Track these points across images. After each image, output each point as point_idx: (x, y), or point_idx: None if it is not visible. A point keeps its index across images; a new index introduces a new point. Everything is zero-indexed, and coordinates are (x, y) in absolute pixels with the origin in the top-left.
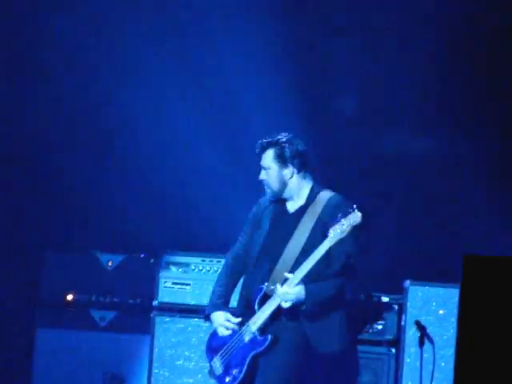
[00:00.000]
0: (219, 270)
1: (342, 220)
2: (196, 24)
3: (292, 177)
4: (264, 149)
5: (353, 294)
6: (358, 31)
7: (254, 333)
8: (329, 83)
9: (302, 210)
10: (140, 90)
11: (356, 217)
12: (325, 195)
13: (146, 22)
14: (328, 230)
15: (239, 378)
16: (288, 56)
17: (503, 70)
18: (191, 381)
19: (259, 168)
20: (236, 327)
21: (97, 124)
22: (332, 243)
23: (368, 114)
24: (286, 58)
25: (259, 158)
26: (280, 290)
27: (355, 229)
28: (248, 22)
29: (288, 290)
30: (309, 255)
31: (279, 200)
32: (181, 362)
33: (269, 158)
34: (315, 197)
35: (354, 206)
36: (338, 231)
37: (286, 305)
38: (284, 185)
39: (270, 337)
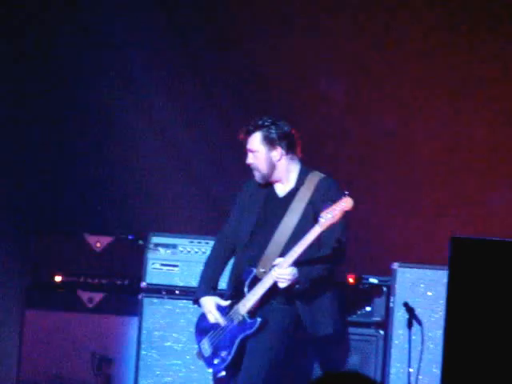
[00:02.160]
0: (208, 253)
1: (334, 205)
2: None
3: (280, 159)
4: (251, 132)
5: (342, 276)
6: None
7: (243, 315)
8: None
9: (292, 194)
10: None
11: (347, 202)
12: (315, 177)
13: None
14: (319, 215)
15: (228, 360)
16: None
17: None
18: (179, 362)
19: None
20: (224, 321)
21: (80, 106)
22: (323, 228)
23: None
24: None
25: (245, 142)
26: (275, 271)
27: (346, 214)
28: None
29: (284, 271)
30: (299, 239)
31: (267, 183)
32: (169, 343)
33: (256, 140)
34: (304, 179)
35: (345, 191)
36: (329, 216)
37: (283, 285)
38: (273, 167)
39: (259, 319)
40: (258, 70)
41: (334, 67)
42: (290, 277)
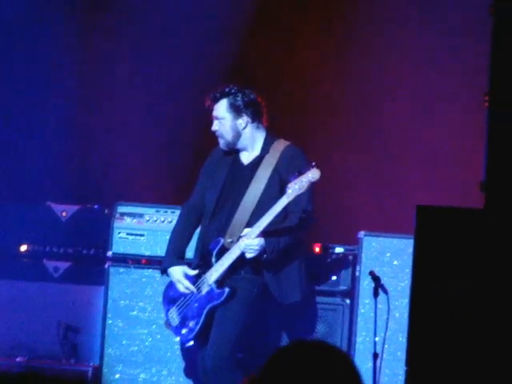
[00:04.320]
0: (174, 222)
1: (301, 176)
2: None
3: (246, 127)
4: (217, 99)
5: (308, 245)
6: None
7: (210, 285)
8: None
9: (257, 161)
10: None
11: (314, 173)
12: (280, 145)
13: None
14: (286, 186)
15: (195, 330)
16: None
17: None
18: (145, 331)
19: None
20: (193, 289)
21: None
22: (290, 199)
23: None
24: None
25: (211, 109)
26: (243, 242)
27: (312, 185)
28: None
29: (251, 242)
30: (265, 207)
31: (233, 151)
32: (135, 312)
33: (222, 107)
34: (269, 147)
35: (313, 163)
36: (296, 187)
37: (250, 255)
38: (238, 135)
39: (227, 289)
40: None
41: None
42: (257, 247)
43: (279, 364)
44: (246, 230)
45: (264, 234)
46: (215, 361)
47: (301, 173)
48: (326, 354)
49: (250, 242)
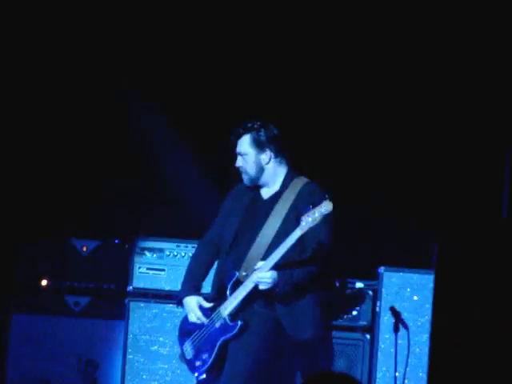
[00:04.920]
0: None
1: (314, 209)
2: None
3: (269, 162)
4: (240, 135)
5: (327, 280)
6: None
7: (224, 318)
8: None
9: (276, 197)
10: None
11: (327, 205)
12: (299, 182)
13: None
14: (300, 219)
15: (209, 363)
16: None
17: None
18: (166, 366)
19: (235, 155)
20: (205, 320)
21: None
22: (303, 231)
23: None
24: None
25: (234, 145)
26: (255, 275)
27: (327, 217)
28: None
29: (264, 274)
30: (282, 241)
31: (254, 187)
32: (155, 347)
33: (246, 143)
34: (289, 183)
35: (326, 195)
36: (309, 220)
37: (262, 287)
38: (261, 170)
39: (240, 322)
40: None
41: None
42: (269, 280)
43: None
44: (260, 263)
45: (277, 267)
46: None
47: (314, 205)
48: None
49: (262, 275)
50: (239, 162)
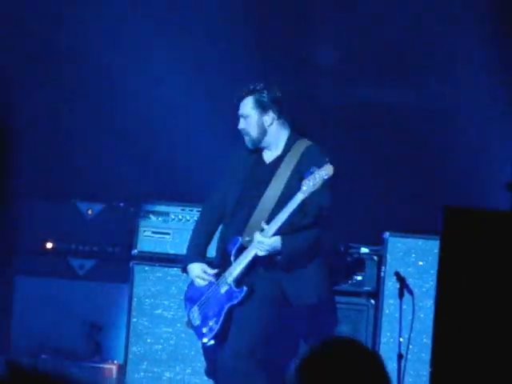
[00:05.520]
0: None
1: (315, 173)
2: None
3: (272, 123)
4: (242, 97)
5: (331, 245)
6: None
7: (229, 284)
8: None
9: (279, 160)
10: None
11: (328, 169)
12: (301, 145)
13: None
14: (301, 183)
15: (215, 329)
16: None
17: None
18: (170, 330)
19: (237, 117)
20: (212, 279)
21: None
22: (305, 195)
23: (344, 63)
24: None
25: (237, 107)
26: (256, 239)
27: (328, 181)
28: None
29: (263, 240)
30: (284, 207)
31: (256, 150)
32: (160, 311)
33: (248, 105)
34: (291, 146)
35: (327, 158)
36: (310, 184)
37: (261, 253)
38: (264, 132)
39: (245, 288)
40: None
41: None
42: (268, 247)
43: (314, 359)
44: (264, 226)
45: (280, 232)
46: (234, 361)
47: (315, 169)
48: (356, 352)
49: (261, 240)
50: (241, 125)
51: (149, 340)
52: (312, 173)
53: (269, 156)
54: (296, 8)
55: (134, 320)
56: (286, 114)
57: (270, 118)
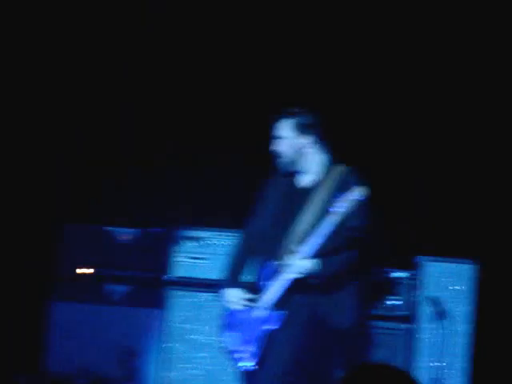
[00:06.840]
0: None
1: (348, 195)
2: None
3: (309, 147)
4: (281, 119)
5: (365, 268)
6: None
7: (265, 309)
8: None
9: (315, 185)
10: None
11: (361, 192)
12: (339, 169)
13: None
14: (335, 205)
15: (252, 354)
16: None
17: None
18: (204, 355)
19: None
20: (249, 304)
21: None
22: (337, 218)
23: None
24: None
25: (273, 129)
26: (290, 262)
27: (361, 203)
28: None
29: (298, 263)
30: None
31: (292, 174)
32: (193, 336)
33: (287, 127)
34: (328, 171)
35: (362, 181)
36: (343, 206)
37: (295, 276)
38: (299, 155)
39: (282, 312)
40: None
41: None
42: (302, 269)
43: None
44: (296, 252)
45: (314, 255)
46: (267, 383)
47: (349, 191)
48: (393, 377)
49: (296, 263)
50: (275, 146)
51: (182, 365)
52: (345, 194)
53: (304, 180)
54: None
55: (168, 345)
56: (324, 140)
57: (307, 141)
